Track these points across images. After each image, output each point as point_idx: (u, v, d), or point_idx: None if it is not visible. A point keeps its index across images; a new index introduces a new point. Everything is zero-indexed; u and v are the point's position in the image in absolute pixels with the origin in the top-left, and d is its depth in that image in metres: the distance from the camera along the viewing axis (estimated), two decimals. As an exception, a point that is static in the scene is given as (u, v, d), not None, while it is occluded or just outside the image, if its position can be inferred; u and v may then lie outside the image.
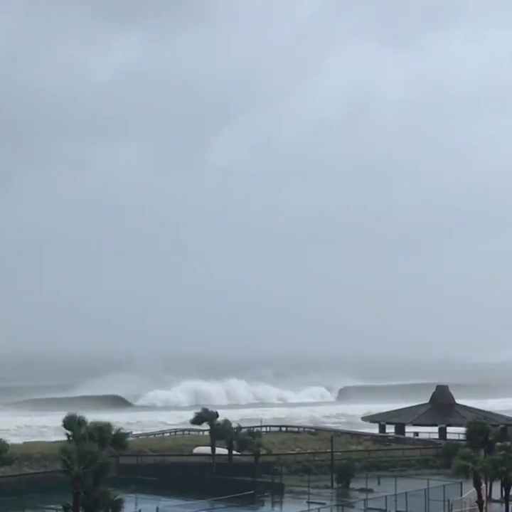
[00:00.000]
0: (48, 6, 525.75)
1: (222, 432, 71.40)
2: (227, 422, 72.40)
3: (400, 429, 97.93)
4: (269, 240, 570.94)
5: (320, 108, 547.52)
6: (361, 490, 66.26)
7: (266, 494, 65.20)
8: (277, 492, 65.56)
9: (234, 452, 72.76)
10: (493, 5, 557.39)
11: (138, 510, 53.09)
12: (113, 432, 47.20)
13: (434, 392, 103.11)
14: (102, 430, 45.73)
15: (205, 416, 71.86)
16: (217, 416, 71.85)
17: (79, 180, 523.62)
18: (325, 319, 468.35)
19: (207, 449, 73.97)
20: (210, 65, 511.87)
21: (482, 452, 62.90)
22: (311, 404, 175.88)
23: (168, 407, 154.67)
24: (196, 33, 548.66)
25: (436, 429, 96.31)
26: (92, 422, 48.23)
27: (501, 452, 55.04)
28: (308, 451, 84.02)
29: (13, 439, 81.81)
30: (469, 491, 54.87)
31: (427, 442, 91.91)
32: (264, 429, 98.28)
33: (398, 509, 55.40)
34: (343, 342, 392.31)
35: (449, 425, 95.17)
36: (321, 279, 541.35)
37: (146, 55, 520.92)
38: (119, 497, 42.17)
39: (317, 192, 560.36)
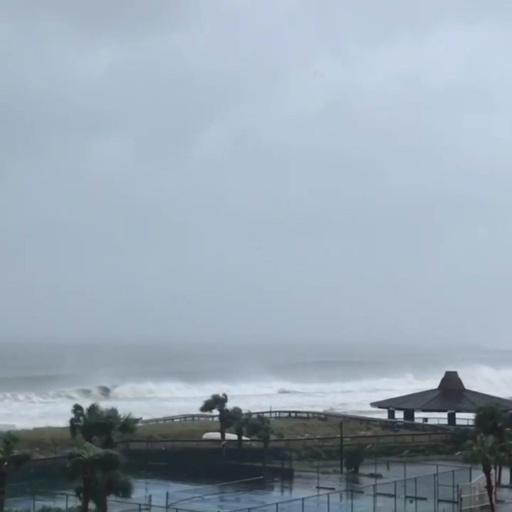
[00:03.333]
0: (38, 12, 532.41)
1: (231, 418, 71.56)
2: (236, 408, 72.58)
3: (409, 414, 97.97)
4: (256, 229, 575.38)
5: (304, 102, 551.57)
6: (370, 475, 66.37)
7: (275, 479, 65.46)
8: (287, 477, 65.82)
9: (243, 438, 72.97)
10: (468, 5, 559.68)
11: (148, 495, 53.37)
12: (122, 418, 47.40)
13: (443, 378, 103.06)
14: (111, 416, 45.92)
15: (214, 402, 72.07)
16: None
17: (73, 172, 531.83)
18: (314, 309, 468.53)
19: (216, 435, 74.20)
20: (195, 63, 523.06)
21: (491, 438, 62.74)
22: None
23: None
24: (182, 32, 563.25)
25: (445, 414, 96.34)
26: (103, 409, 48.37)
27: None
28: (318, 436, 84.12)
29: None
30: (478, 477, 54.82)
31: (436, 428, 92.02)
32: (273, 414, 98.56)
33: (407, 494, 55.49)
34: (344, 331, 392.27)
35: (458, 411, 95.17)
36: (309, 268, 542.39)
37: (135, 53, 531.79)
38: (129, 482, 42.36)
39: (303, 183, 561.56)
